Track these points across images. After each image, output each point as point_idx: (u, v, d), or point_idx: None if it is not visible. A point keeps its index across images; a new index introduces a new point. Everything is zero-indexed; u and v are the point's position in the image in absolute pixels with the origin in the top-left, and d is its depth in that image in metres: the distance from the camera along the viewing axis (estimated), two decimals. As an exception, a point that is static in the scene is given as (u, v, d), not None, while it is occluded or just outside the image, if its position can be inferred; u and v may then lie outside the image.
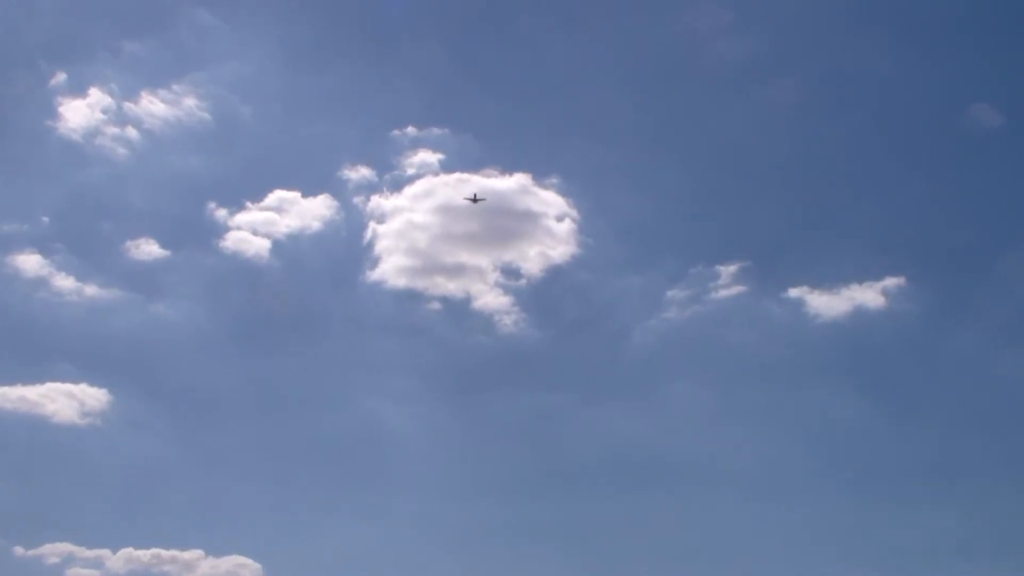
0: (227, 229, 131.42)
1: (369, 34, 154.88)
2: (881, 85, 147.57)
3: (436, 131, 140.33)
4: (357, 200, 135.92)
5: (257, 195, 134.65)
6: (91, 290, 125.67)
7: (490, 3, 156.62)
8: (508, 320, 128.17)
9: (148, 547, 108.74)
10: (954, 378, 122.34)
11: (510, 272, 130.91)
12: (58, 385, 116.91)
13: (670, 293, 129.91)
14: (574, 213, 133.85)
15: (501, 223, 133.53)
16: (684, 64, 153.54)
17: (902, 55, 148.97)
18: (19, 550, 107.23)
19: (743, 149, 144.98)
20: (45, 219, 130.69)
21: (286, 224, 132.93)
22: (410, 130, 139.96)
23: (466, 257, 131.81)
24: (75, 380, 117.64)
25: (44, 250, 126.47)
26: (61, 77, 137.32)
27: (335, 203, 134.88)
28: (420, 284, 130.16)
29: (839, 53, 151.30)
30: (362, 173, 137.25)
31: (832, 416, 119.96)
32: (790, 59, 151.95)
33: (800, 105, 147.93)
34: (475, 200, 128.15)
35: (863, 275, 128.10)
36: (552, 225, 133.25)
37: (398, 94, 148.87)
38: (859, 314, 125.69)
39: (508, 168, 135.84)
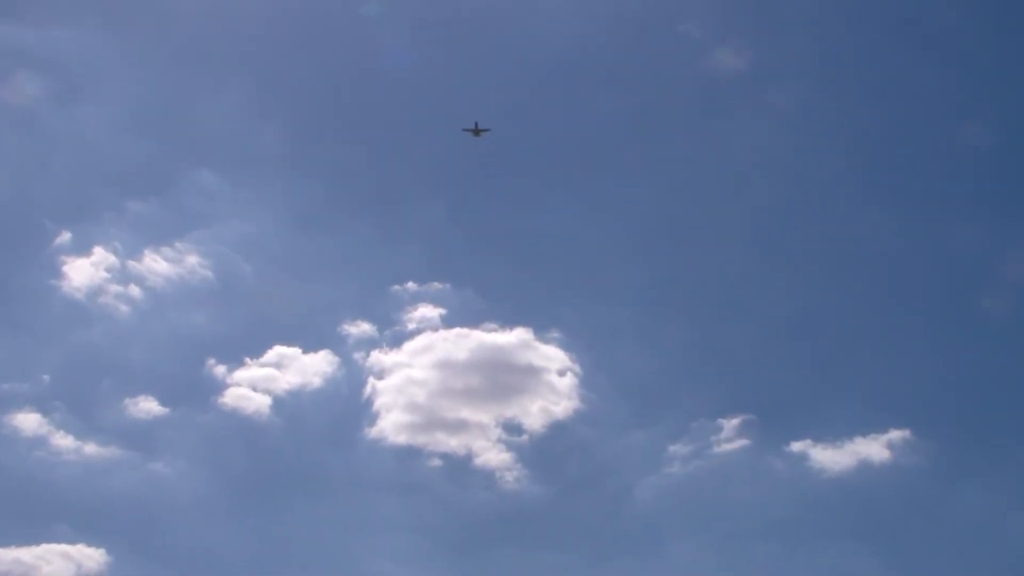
0: (226, 386, 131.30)
1: (370, 193, 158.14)
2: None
3: (437, 286, 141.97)
4: (357, 356, 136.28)
5: (257, 351, 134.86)
6: (90, 449, 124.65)
7: (491, 162, 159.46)
8: (510, 477, 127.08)
9: None
10: (963, 534, 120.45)
11: (512, 428, 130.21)
12: (54, 546, 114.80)
13: (672, 448, 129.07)
14: (576, 368, 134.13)
15: (502, 378, 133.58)
16: (684, 220, 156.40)
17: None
18: None
19: (744, 304, 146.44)
20: (45, 378, 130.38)
21: (286, 380, 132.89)
22: (410, 285, 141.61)
23: (467, 413, 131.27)
24: (72, 541, 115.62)
25: (43, 409, 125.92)
26: (66, 236, 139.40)
27: (336, 359, 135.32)
28: (420, 440, 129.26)
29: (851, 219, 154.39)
30: (363, 328, 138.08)
31: (838, 573, 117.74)
32: (788, 216, 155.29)
33: (801, 259, 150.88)
34: (477, 131, 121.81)
35: (867, 428, 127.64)
36: (554, 380, 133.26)
37: (399, 250, 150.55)
38: (864, 468, 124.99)
39: (509, 322, 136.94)
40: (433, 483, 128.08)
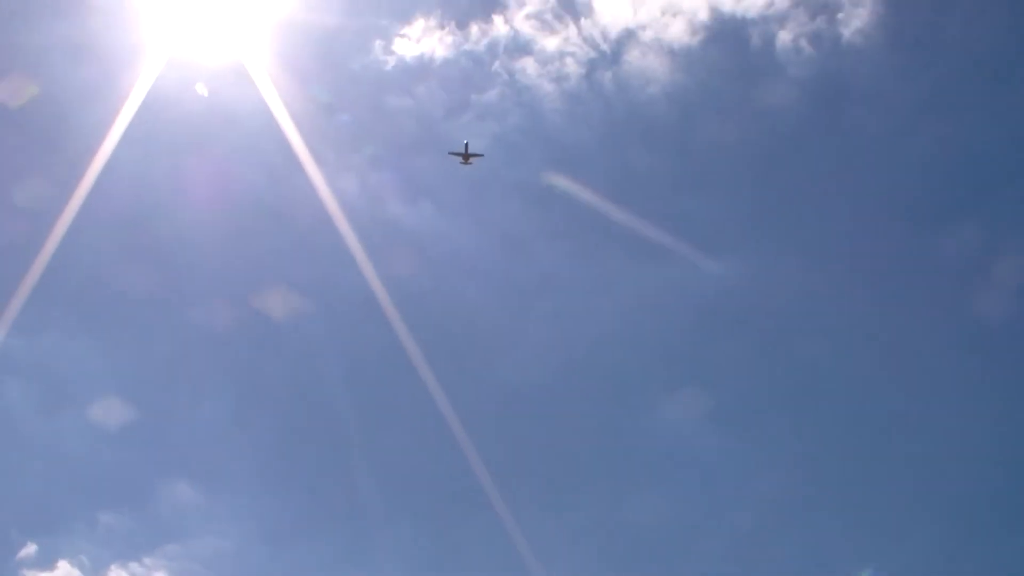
0: None
1: (346, 511, 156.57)
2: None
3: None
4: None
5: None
6: None
7: (462, 483, 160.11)
8: None
9: None
10: None
11: None
12: None
13: None
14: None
15: None
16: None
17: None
18: None
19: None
20: None
21: None
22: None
23: None
24: None
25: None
26: (31, 549, 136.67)
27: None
28: None
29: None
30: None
31: None
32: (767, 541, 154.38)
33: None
34: (466, 156, 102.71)
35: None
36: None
37: (372, 570, 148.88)
38: None
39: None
40: None
